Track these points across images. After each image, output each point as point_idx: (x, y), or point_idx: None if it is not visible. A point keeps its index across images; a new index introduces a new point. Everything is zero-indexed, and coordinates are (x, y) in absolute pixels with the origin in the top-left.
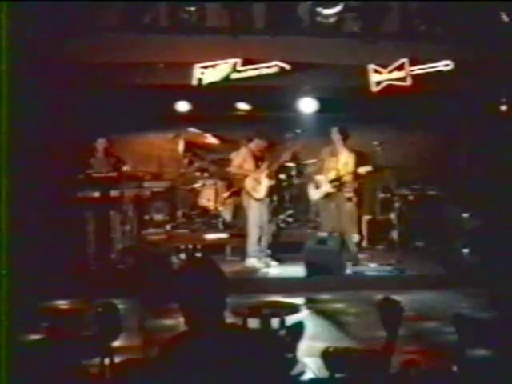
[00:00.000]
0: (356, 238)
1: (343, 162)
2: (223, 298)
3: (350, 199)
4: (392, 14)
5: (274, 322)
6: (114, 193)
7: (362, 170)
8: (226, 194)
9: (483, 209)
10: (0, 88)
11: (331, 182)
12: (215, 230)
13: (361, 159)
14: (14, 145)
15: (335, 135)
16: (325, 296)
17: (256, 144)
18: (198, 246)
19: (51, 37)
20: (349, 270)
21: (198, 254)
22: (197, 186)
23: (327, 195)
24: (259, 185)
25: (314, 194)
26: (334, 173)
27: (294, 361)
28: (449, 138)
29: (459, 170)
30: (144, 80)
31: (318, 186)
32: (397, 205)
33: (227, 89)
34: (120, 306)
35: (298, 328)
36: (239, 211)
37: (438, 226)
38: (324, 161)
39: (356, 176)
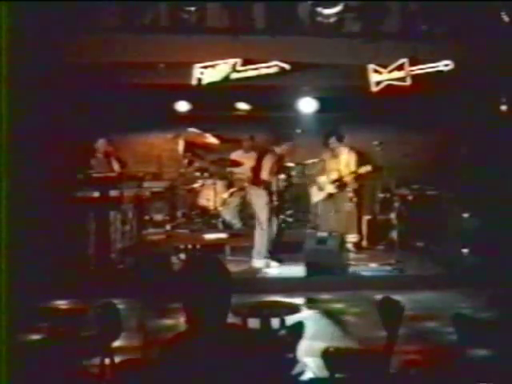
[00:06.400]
0: (354, 239)
1: (344, 162)
2: (227, 298)
3: (351, 199)
4: (392, 14)
5: (274, 322)
6: (113, 193)
7: (362, 169)
8: (225, 195)
9: (483, 209)
10: (0, 88)
11: (333, 182)
12: (215, 229)
13: (361, 158)
14: (14, 145)
15: (334, 143)
16: (325, 296)
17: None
18: (198, 246)
19: (51, 37)
20: (349, 270)
21: (198, 254)
22: (196, 186)
23: (329, 196)
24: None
25: (317, 196)
26: (335, 173)
27: (294, 361)
28: (449, 138)
29: (459, 170)
30: (144, 80)
31: (320, 188)
32: (397, 205)
33: (227, 89)
34: (120, 306)
35: (298, 328)
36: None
37: (438, 226)
38: (325, 162)
39: (356, 176)
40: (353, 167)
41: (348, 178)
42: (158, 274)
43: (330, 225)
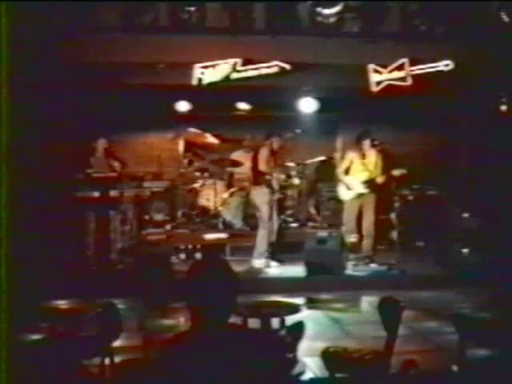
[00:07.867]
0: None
1: (374, 163)
2: (231, 299)
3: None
4: (392, 14)
5: (274, 322)
6: (113, 193)
7: (397, 172)
8: (226, 195)
9: (483, 209)
10: (0, 88)
11: (365, 183)
12: (215, 229)
13: (388, 160)
14: (14, 145)
15: (366, 145)
16: (325, 296)
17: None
18: (198, 246)
19: (51, 37)
20: (349, 270)
21: (199, 254)
22: (196, 185)
23: (358, 196)
24: None
25: (346, 195)
26: (366, 174)
27: (294, 361)
28: (449, 138)
29: (459, 170)
30: (144, 80)
31: (349, 187)
32: (397, 205)
33: (227, 89)
34: (120, 306)
35: (298, 328)
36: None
37: (437, 226)
38: (352, 162)
39: (389, 178)
40: (381, 168)
41: (380, 180)
42: (158, 274)
43: (352, 224)
